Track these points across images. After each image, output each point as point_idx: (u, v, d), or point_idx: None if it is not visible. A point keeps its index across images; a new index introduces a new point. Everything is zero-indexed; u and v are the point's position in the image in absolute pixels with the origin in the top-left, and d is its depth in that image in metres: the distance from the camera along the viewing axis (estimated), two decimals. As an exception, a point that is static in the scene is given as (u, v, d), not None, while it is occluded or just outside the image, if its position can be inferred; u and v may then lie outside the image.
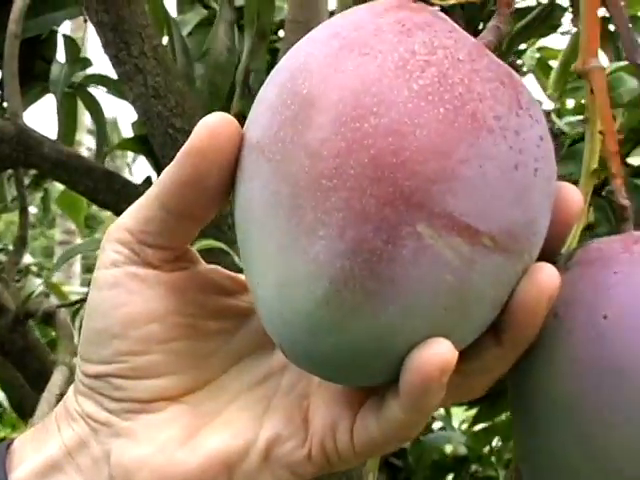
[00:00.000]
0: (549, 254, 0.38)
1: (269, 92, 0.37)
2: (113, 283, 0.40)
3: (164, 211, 0.39)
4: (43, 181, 1.79)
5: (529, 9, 1.71)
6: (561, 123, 1.83)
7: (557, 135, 1.81)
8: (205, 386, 0.41)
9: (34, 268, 2.00)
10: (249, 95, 1.34)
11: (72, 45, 1.40)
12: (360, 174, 0.33)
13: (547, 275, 0.36)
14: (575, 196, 0.38)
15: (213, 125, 0.38)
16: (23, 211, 1.42)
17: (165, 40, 1.31)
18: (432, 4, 0.38)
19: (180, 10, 1.55)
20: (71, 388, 0.42)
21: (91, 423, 0.40)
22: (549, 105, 1.92)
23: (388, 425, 0.37)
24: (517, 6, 1.77)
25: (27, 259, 2.39)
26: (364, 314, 0.34)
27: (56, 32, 1.41)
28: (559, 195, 0.38)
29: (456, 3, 0.38)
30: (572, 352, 0.37)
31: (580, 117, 1.85)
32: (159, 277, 0.40)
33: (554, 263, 0.38)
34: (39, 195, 2.02)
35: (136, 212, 0.40)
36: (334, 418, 0.38)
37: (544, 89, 1.81)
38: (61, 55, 1.42)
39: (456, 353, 0.34)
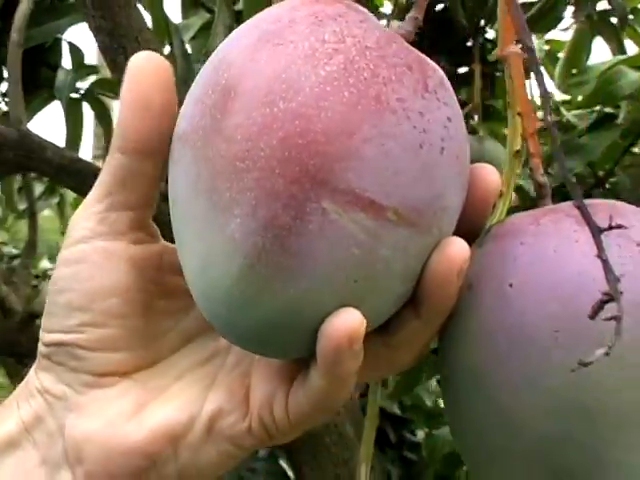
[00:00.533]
0: (471, 230, 0.41)
1: (196, 85, 0.40)
2: (78, 259, 0.42)
3: (122, 156, 0.42)
4: (59, 187, 1.82)
5: (530, 4, 1.72)
6: (570, 115, 1.84)
7: (567, 128, 1.83)
8: (156, 364, 0.44)
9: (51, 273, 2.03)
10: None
11: (77, 52, 1.44)
12: (269, 155, 0.35)
13: (457, 248, 0.38)
14: (492, 175, 0.40)
15: (145, 57, 0.42)
16: (32, 216, 1.45)
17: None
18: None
19: (185, 15, 1.58)
20: (33, 367, 0.44)
21: (47, 398, 0.42)
22: (560, 97, 1.94)
23: (312, 395, 0.39)
24: (520, 1, 1.78)
25: (46, 264, 2.43)
26: (277, 287, 0.36)
27: (61, 39, 1.45)
28: (477, 174, 0.40)
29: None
30: (483, 321, 0.39)
31: (588, 110, 1.87)
32: (122, 251, 0.42)
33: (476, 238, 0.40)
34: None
35: (99, 179, 0.43)
36: (270, 393, 0.41)
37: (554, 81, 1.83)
38: (67, 62, 1.45)
39: (364, 322, 0.37)
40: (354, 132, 0.36)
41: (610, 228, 0.33)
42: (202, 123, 0.38)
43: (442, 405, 1.84)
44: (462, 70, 1.75)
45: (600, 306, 0.32)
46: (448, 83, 0.40)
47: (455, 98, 0.40)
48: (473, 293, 0.39)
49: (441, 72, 0.40)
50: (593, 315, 0.32)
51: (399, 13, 1.75)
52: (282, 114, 0.36)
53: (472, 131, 1.72)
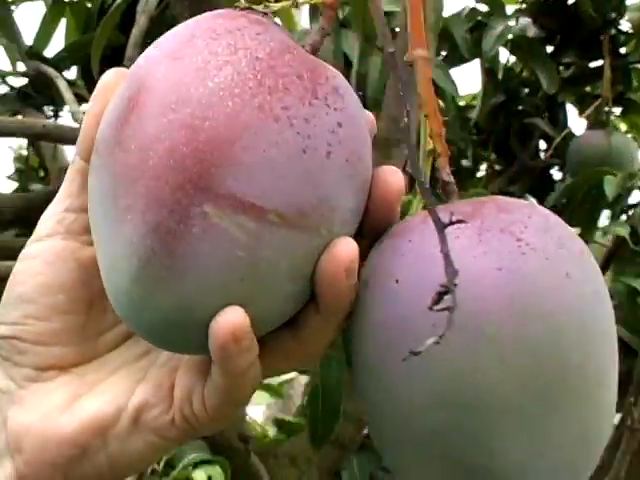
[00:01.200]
0: (378, 230, 0.42)
1: (113, 97, 0.43)
2: (34, 255, 0.45)
3: (82, 162, 0.45)
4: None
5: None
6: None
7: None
8: (96, 358, 0.46)
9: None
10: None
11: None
12: (157, 164, 0.38)
13: (344, 247, 0.40)
14: (393, 176, 0.42)
15: (114, 72, 0.45)
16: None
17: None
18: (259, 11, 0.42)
19: (312, 20, 1.62)
20: None
21: None
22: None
23: (217, 390, 0.41)
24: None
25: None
26: (166, 288, 0.39)
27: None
28: (378, 176, 0.42)
29: (275, 9, 0.42)
30: (375, 316, 0.40)
31: None
32: (73, 251, 0.45)
33: None
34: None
35: (63, 182, 0.46)
36: (190, 387, 0.43)
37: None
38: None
39: (247, 319, 0.39)
40: (235, 140, 0.38)
41: (451, 223, 0.34)
42: (107, 133, 0.41)
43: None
44: (595, 64, 1.72)
45: (439, 298, 0.33)
46: (346, 89, 0.41)
47: (355, 103, 0.41)
48: (368, 289, 0.41)
49: (338, 80, 0.41)
50: (431, 306, 0.33)
51: (531, 8, 1.74)
52: (170, 125, 0.38)
53: (603, 124, 1.68)
